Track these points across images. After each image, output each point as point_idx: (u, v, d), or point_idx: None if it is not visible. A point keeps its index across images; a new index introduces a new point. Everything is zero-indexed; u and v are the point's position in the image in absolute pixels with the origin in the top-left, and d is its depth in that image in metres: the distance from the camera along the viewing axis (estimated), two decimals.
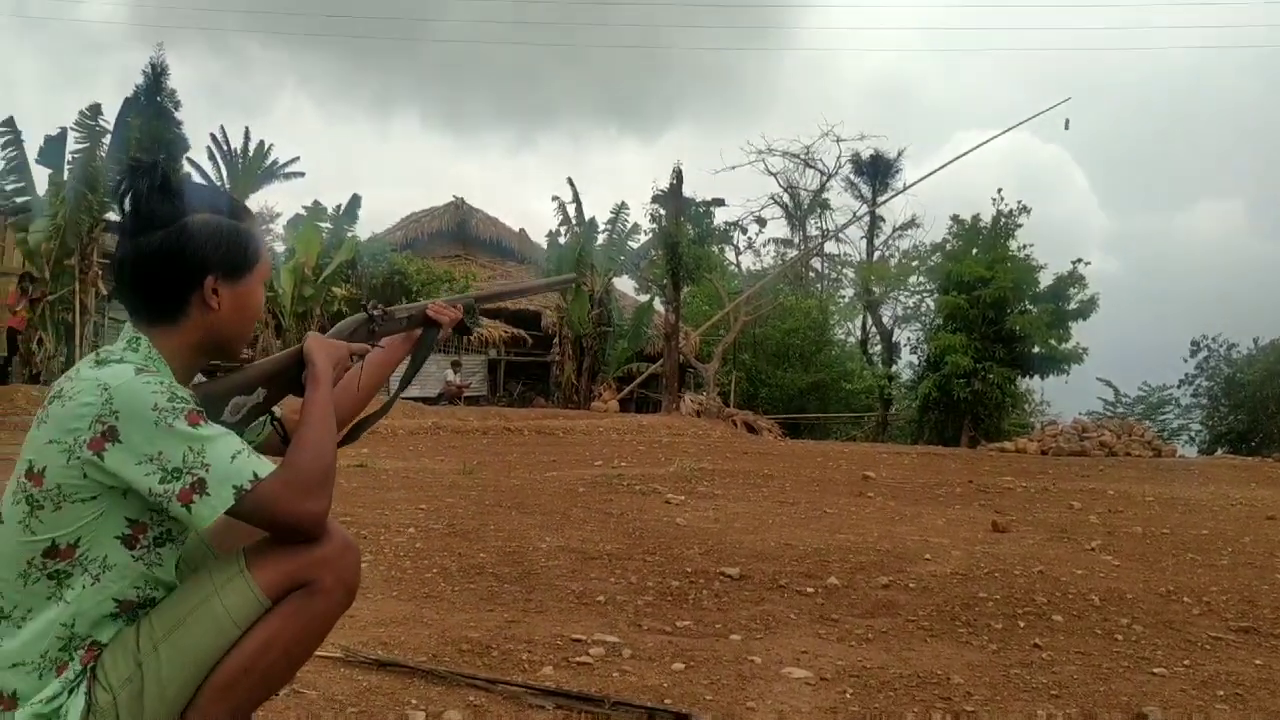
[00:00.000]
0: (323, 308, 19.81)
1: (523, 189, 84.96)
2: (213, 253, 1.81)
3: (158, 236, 1.78)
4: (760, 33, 62.92)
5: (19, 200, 16.46)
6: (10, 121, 16.35)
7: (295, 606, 1.80)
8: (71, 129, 16.28)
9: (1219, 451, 25.14)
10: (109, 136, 16.63)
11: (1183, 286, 71.61)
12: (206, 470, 1.66)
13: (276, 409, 2.10)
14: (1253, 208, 71.90)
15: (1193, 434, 29.56)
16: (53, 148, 16.30)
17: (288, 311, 19.42)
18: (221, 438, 1.71)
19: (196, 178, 27.98)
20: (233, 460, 1.69)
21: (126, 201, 1.81)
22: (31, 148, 16.39)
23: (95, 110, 16.46)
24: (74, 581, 1.69)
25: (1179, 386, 30.16)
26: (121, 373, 1.68)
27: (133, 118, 17.61)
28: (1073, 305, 23.42)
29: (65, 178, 16.36)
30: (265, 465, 1.73)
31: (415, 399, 21.69)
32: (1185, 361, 29.35)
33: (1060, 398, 30.85)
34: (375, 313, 2.32)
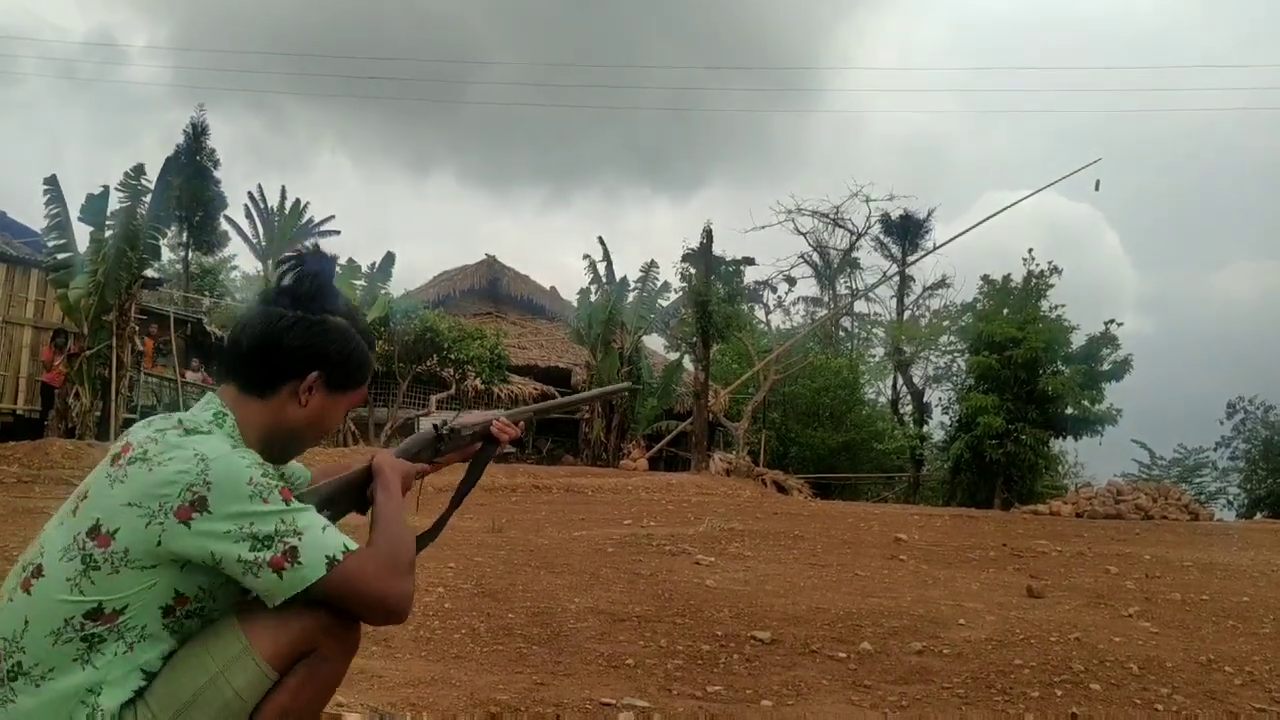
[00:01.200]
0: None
1: (555, 246, 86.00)
2: (331, 357, 1.86)
3: (294, 316, 1.83)
4: (791, 94, 63.61)
5: (60, 256, 16.76)
6: (53, 180, 16.71)
7: (303, 677, 1.77)
8: (115, 189, 16.62)
9: (1258, 516, 24.70)
10: (149, 195, 16.96)
11: (1218, 347, 70.94)
12: (299, 538, 1.66)
13: None
14: None
15: (1230, 497, 29.12)
16: (94, 205, 16.63)
17: None
18: (311, 512, 1.72)
19: (233, 235, 28.55)
20: (324, 531, 1.70)
21: (288, 276, 1.86)
22: (74, 204, 16.75)
23: (139, 170, 16.81)
24: (106, 648, 1.65)
25: (1215, 449, 29.78)
26: (219, 446, 1.68)
27: (173, 176, 17.99)
28: (1106, 366, 23.19)
29: (106, 235, 16.65)
30: (353, 542, 1.73)
31: None
32: (1221, 424, 29.02)
33: (1094, 460, 30.63)
34: (443, 430, 2.30)
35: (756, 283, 38.26)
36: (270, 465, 1.73)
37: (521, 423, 2.48)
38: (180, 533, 1.62)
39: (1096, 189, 25.98)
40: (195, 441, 1.68)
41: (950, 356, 30.02)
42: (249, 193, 29.25)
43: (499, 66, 74.02)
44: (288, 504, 1.68)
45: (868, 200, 37.90)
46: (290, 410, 1.85)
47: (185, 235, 27.46)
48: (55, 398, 16.73)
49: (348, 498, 2.04)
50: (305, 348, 1.83)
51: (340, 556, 1.68)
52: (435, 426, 2.31)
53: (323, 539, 1.69)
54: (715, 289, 23.37)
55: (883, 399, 35.88)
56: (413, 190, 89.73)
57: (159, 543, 1.63)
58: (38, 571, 1.69)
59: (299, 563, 1.65)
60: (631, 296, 25.62)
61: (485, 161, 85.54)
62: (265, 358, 1.82)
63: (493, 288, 33.04)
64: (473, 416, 2.40)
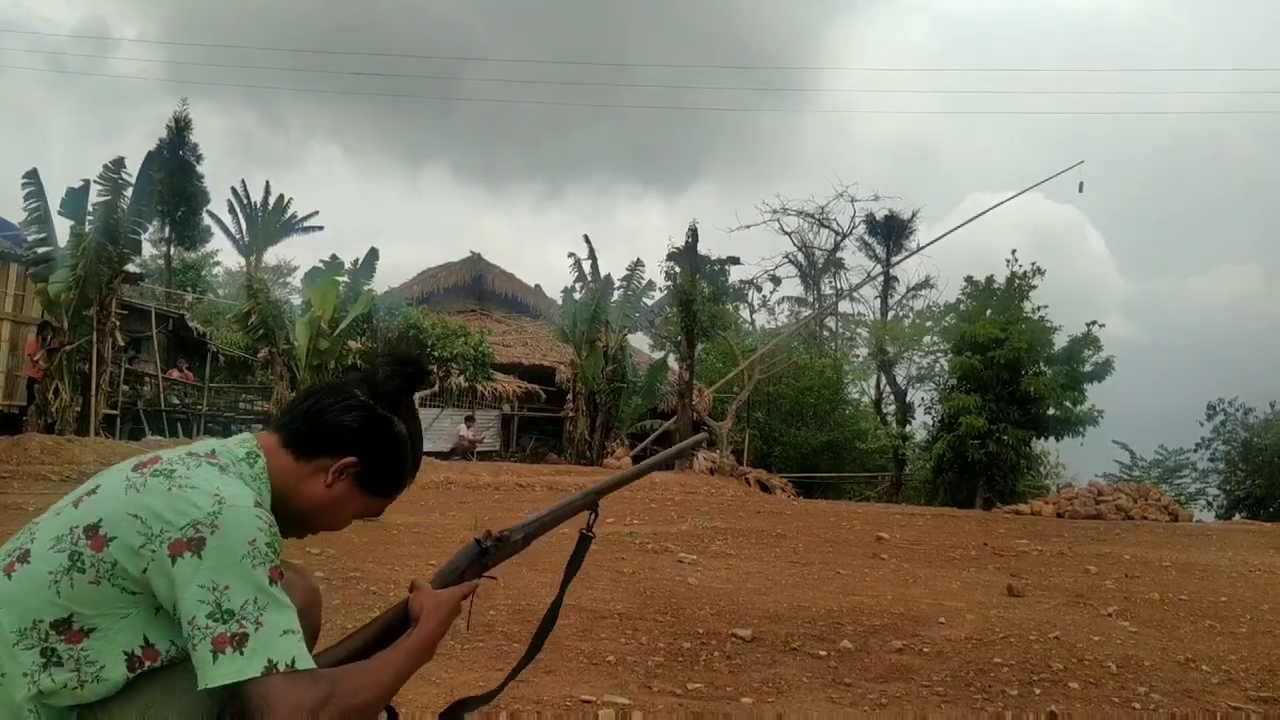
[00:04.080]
0: (338, 361, 19.89)
1: (542, 244, 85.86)
2: (377, 454, 1.83)
3: (364, 400, 1.83)
4: (780, 94, 63.72)
5: (40, 250, 16.63)
6: (34, 173, 16.58)
7: None
8: (95, 181, 16.50)
9: (1236, 517, 24.89)
10: (130, 189, 16.84)
11: (1199, 350, 71.44)
12: (257, 629, 1.53)
13: None
14: (1268, 272, 71.80)
15: (1210, 499, 29.29)
16: (75, 199, 16.50)
17: (302, 364, 19.47)
18: (286, 607, 1.59)
19: (216, 230, 28.40)
20: (283, 635, 1.55)
21: (381, 371, 1.88)
22: (56, 199, 16.62)
23: (119, 164, 16.68)
24: (59, 675, 1.56)
25: (1196, 450, 29.96)
26: (242, 496, 1.62)
27: (155, 171, 17.88)
28: (1088, 367, 23.32)
29: (86, 229, 16.54)
30: (308, 661, 1.58)
31: (427, 453, 21.64)
32: (1201, 425, 29.19)
33: (1076, 460, 30.64)
34: (489, 544, 2.07)
35: (741, 282, 38.32)
36: (279, 538, 1.65)
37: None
38: (165, 566, 1.54)
39: (1080, 191, 26.19)
40: (223, 481, 1.63)
41: (933, 357, 30.13)
42: (232, 188, 29.14)
43: (493, 63, 73.85)
44: (271, 585, 1.57)
45: (853, 200, 38.09)
46: (314, 485, 1.81)
47: (167, 230, 27.27)
48: (35, 393, 16.62)
49: (384, 645, 1.81)
50: (358, 432, 1.81)
51: (281, 666, 1.52)
52: (479, 541, 2.07)
53: (279, 641, 1.54)
54: (700, 288, 23.39)
55: (866, 399, 35.95)
56: (404, 186, 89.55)
57: (145, 570, 1.55)
58: (24, 557, 1.61)
59: (240, 652, 1.51)
60: (617, 295, 25.60)
61: (477, 158, 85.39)
62: (318, 423, 1.81)
63: (477, 285, 32.99)
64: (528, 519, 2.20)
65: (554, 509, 2.25)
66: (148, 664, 1.59)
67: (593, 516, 2.32)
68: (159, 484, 1.60)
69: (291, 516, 1.83)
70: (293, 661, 1.54)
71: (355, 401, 1.82)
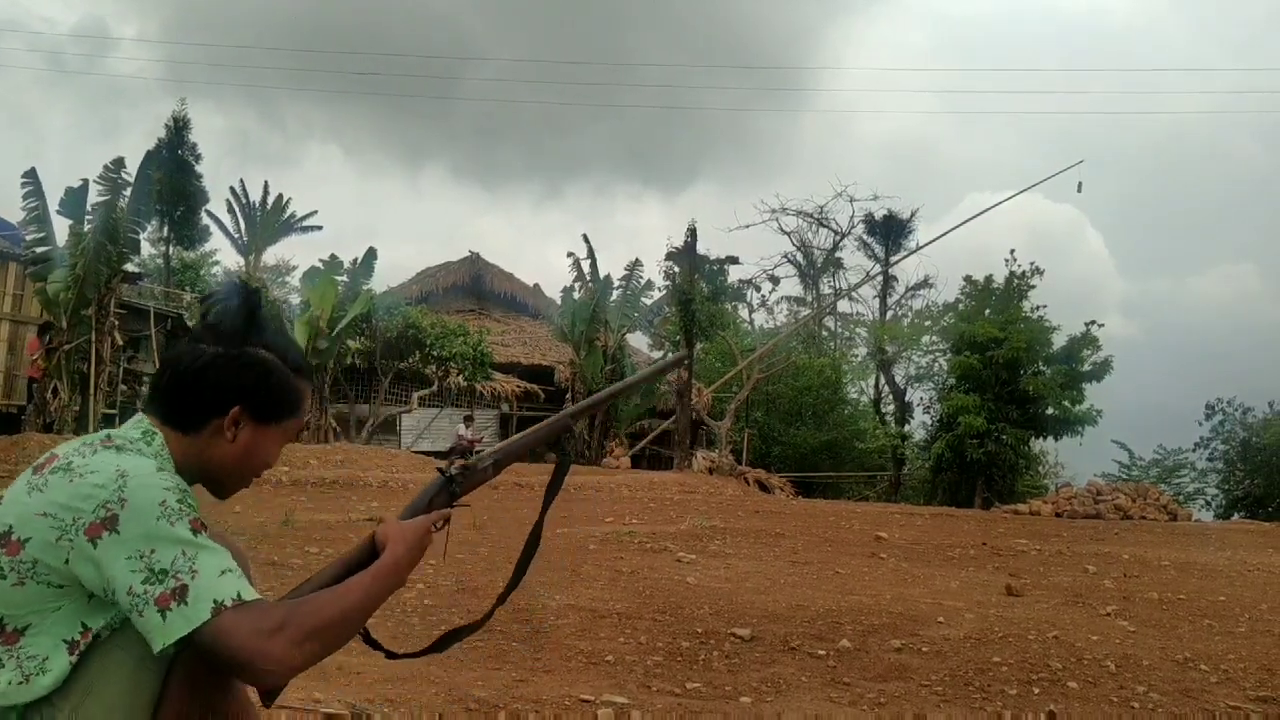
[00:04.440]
0: (337, 361, 19.91)
1: (542, 244, 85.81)
2: (253, 388, 1.79)
3: (213, 351, 1.77)
4: (780, 94, 63.68)
5: (39, 250, 16.61)
6: (32, 172, 16.58)
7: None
8: (94, 181, 16.50)
9: (1235, 516, 24.87)
10: (129, 189, 16.84)
11: (1197, 349, 71.39)
12: (193, 577, 1.52)
13: None
14: (1266, 272, 71.79)
15: (1208, 498, 29.28)
16: (74, 199, 16.50)
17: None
18: (216, 550, 1.59)
19: (215, 230, 28.39)
20: (222, 575, 1.55)
21: (212, 312, 1.82)
22: (55, 198, 16.61)
23: (119, 163, 16.68)
24: (2, 676, 1.54)
25: (1194, 450, 29.95)
26: (143, 465, 1.61)
27: (154, 170, 17.87)
28: (1086, 367, 23.32)
29: (85, 229, 16.53)
30: (253, 594, 1.58)
31: (426, 453, 21.68)
32: (1200, 425, 29.19)
33: (1075, 460, 30.62)
34: (454, 472, 2.06)
35: (740, 281, 38.30)
36: (191, 494, 1.64)
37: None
38: (87, 552, 1.53)
39: (1079, 190, 26.23)
40: (120, 459, 1.62)
41: (932, 356, 30.10)
42: (231, 188, 28.99)
43: (493, 62, 73.82)
44: (194, 535, 1.56)
45: (852, 200, 38.05)
46: (219, 447, 1.78)
47: (166, 230, 27.25)
48: (34, 392, 16.63)
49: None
50: (224, 383, 1.76)
51: (228, 603, 1.52)
52: (441, 470, 2.06)
53: (218, 582, 1.54)
54: (699, 288, 23.40)
55: (865, 398, 35.94)
56: (403, 186, 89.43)
57: (66, 560, 1.54)
58: None
59: (185, 603, 1.50)
60: (616, 294, 25.61)
61: (476, 157, 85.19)
62: (186, 394, 1.76)
63: (476, 284, 32.97)
64: (494, 447, 2.15)
65: (526, 434, 2.20)
66: (85, 647, 1.58)
67: (569, 438, 2.26)
68: (60, 480, 1.59)
69: (218, 482, 1.83)
70: (238, 595, 1.54)
71: (208, 357, 1.76)
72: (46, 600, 1.56)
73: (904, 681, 4.21)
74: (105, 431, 1.73)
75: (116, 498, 1.55)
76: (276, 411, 1.83)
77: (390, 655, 2.05)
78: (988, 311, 24.13)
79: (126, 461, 1.61)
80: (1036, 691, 4.15)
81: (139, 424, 1.76)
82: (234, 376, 1.77)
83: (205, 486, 1.82)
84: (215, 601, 1.52)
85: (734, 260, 27.42)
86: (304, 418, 1.92)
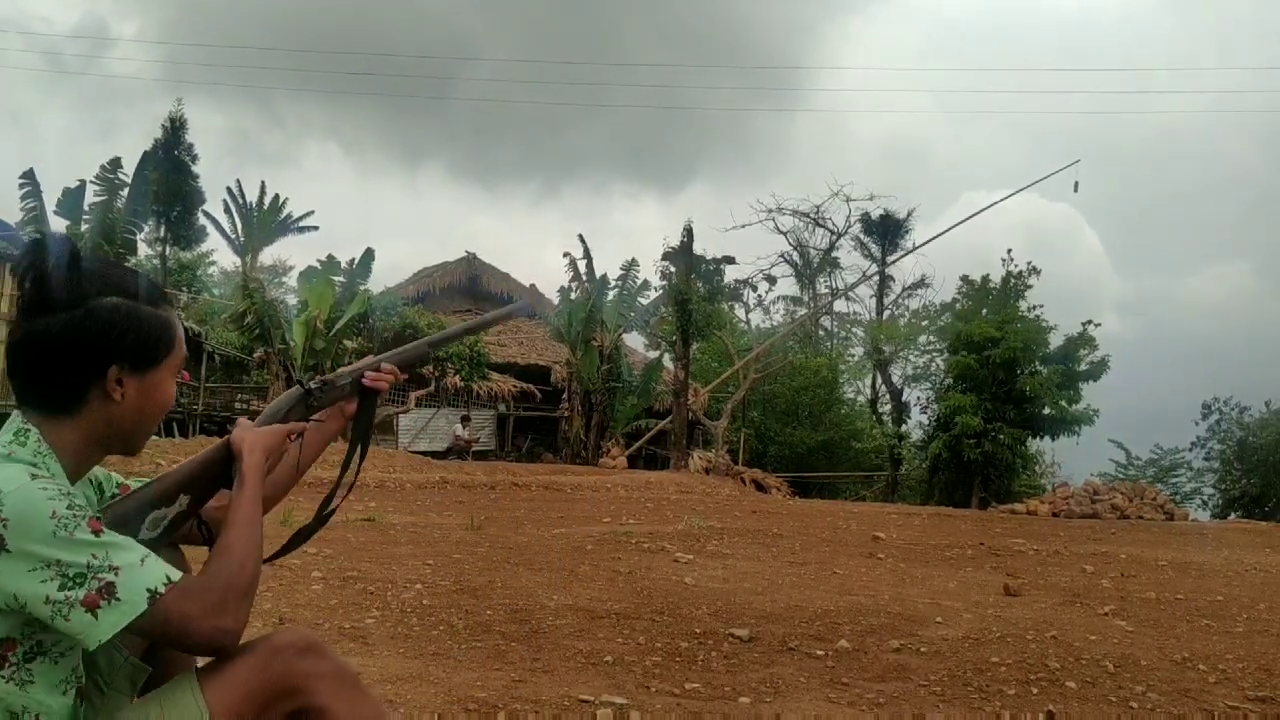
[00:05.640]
0: (334, 361, 19.89)
1: (538, 244, 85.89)
2: (119, 340, 1.64)
3: (59, 319, 1.61)
4: (777, 94, 63.79)
5: None
6: (30, 174, 16.59)
7: None
8: (91, 182, 16.51)
9: (1232, 516, 24.93)
10: (126, 189, 16.85)
11: (1194, 348, 71.59)
12: (115, 574, 1.50)
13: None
14: (1261, 271, 71.98)
15: (1205, 498, 29.40)
16: (71, 200, 16.52)
17: (299, 365, 19.47)
18: (126, 542, 1.56)
19: (211, 229, 28.36)
20: (143, 564, 1.54)
21: (28, 279, 1.63)
22: (50, 199, 16.62)
23: (115, 164, 16.72)
24: None
25: (1191, 449, 30.04)
26: (14, 476, 1.51)
27: (151, 171, 17.87)
28: (1083, 366, 23.37)
29: (82, 229, 16.53)
30: (176, 571, 1.57)
31: (423, 453, 21.67)
32: (1197, 424, 29.27)
33: (1071, 459, 30.81)
34: (312, 385, 2.08)
35: (737, 281, 38.32)
36: (76, 493, 1.56)
37: (395, 370, 2.20)
38: None
39: (1075, 190, 26.31)
40: None
41: (929, 356, 30.21)
42: (227, 188, 28.90)
43: (490, 62, 73.90)
44: (98, 536, 1.51)
45: (848, 200, 38.10)
46: (111, 410, 1.67)
47: (163, 230, 27.25)
48: None
49: (205, 483, 1.83)
50: (84, 348, 1.62)
51: (162, 589, 1.52)
52: (300, 382, 2.08)
53: (142, 571, 1.52)
54: (695, 287, 23.40)
55: (861, 398, 36.03)
56: (400, 185, 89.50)
57: None
58: None
59: (117, 599, 1.49)
60: (612, 294, 25.62)
61: (473, 156, 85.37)
62: (49, 377, 1.63)
63: (472, 285, 33.01)
64: (348, 369, 2.17)
65: (385, 355, 2.20)
66: (10, 655, 1.54)
67: (436, 372, 2.24)
68: None
69: (125, 440, 1.74)
70: (167, 578, 1.54)
71: (56, 323, 1.61)
72: None
73: (903, 682, 4.21)
74: None
75: None
76: (153, 353, 1.70)
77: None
78: (985, 311, 24.18)
79: None
80: (1035, 691, 4.15)
81: (10, 425, 1.65)
82: (93, 338, 1.63)
83: (115, 450, 1.74)
84: (149, 590, 1.51)
85: (730, 260, 27.36)
86: (182, 342, 1.78)
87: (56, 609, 1.48)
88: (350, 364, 2.26)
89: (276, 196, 29.10)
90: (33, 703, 1.56)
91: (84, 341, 1.62)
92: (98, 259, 1.75)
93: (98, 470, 1.88)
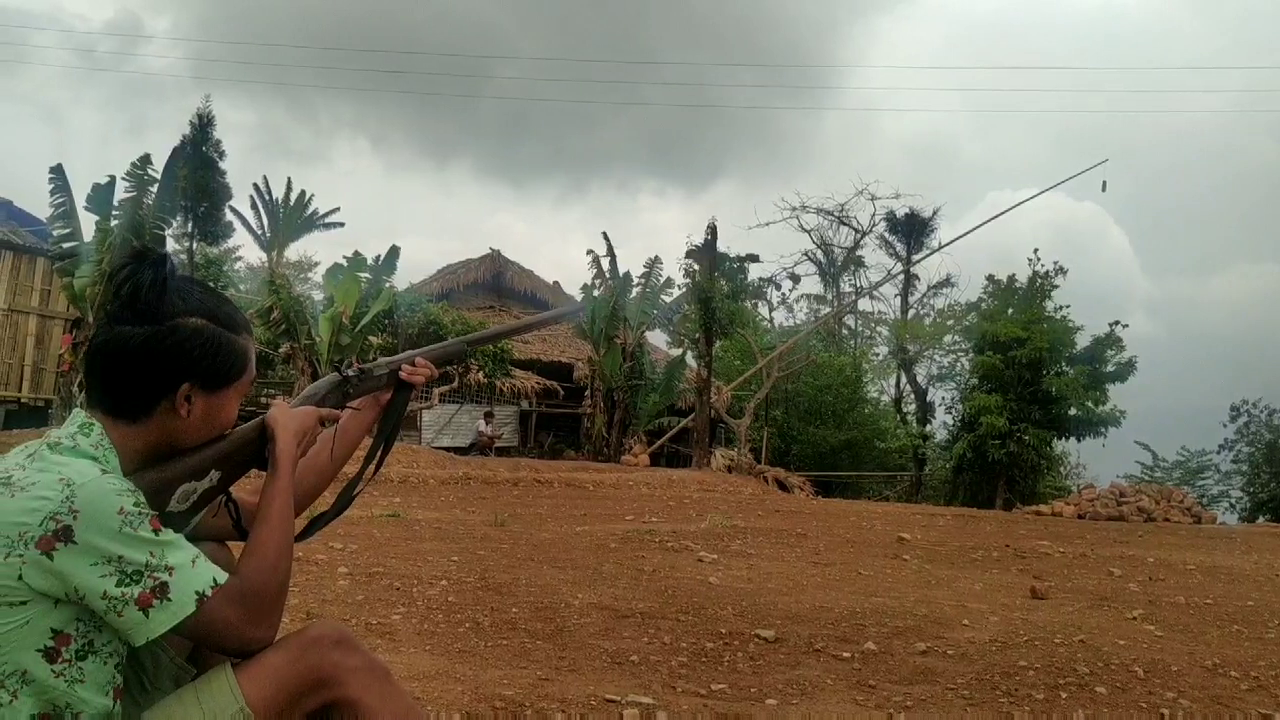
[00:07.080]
0: (359, 356, 19.99)
1: (563, 241, 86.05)
2: (196, 361, 1.73)
3: (144, 331, 1.70)
4: (803, 92, 63.61)
5: (66, 245, 16.77)
6: (59, 169, 16.74)
7: None
8: (121, 178, 16.65)
9: (1260, 520, 24.67)
10: (155, 185, 16.99)
11: (1221, 349, 70.88)
12: (170, 574, 1.56)
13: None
14: None
15: (1233, 501, 29.10)
16: (101, 195, 16.66)
17: (324, 360, 19.57)
18: (180, 541, 1.61)
19: (238, 225, 28.55)
20: (194, 565, 1.60)
21: (125, 288, 1.73)
22: (80, 194, 16.77)
23: (145, 160, 16.84)
24: None
25: (1219, 452, 29.76)
26: (86, 471, 1.57)
27: (180, 167, 18.01)
28: (1110, 367, 23.19)
29: (111, 224, 16.68)
30: (222, 574, 1.64)
31: (446, 449, 21.74)
32: (1225, 426, 28.98)
33: (1097, 461, 30.63)
34: (350, 373, 2.12)
35: (760, 279, 38.16)
36: (139, 491, 1.62)
37: (432, 366, 2.26)
38: (42, 565, 1.50)
39: (1103, 190, 26.07)
40: (62, 465, 1.57)
41: (954, 356, 30.06)
42: (254, 184, 29.15)
43: (519, 60, 74.07)
44: (157, 534, 1.57)
45: (873, 198, 37.98)
46: (174, 424, 1.75)
47: (190, 226, 27.45)
48: (59, 386, 16.79)
49: (238, 460, 1.86)
50: (162, 363, 1.70)
51: (209, 593, 1.59)
52: (337, 368, 2.13)
53: (193, 574, 1.59)
54: (719, 285, 23.35)
55: (886, 398, 35.87)
56: (428, 183, 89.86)
57: (20, 576, 1.50)
58: None
59: (168, 599, 1.55)
60: (635, 292, 25.59)
61: (501, 154, 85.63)
62: (124, 384, 1.70)
63: (496, 282, 33.05)
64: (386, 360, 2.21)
65: (424, 350, 2.27)
66: (64, 650, 1.56)
67: (460, 368, 2.30)
68: (2, 496, 1.55)
69: (179, 451, 1.79)
70: (214, 580, 1.61)
71: (138, 339, 1.69)
72: (11, 619, 1.53)
73: (930, 685, 4.19)
74: (45, 438, 1.68)
75: (66, 509, 1.52)
76: (225, 377, 1.79)
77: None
78: (1010, 311, 24.02)
79: (69, 468, 1.57)
80: (1064, 696, 4.11)
81: (75, 418, 1.71)
82: (171, 354, 1.71)
83: (164, 459, 1.78)
84: (197, 593, 1.58)
85: (754, 258, 27.29)
86: (253, 369, 1.87)
87: (112, 604, 1.54)
88: (375, 358, 2.28)
89: (303, 193, 29.30)
90: (77, 700, 1.58)
91: (161, 356, 1.70)
92: (193, 280, 1.84)
93: None
